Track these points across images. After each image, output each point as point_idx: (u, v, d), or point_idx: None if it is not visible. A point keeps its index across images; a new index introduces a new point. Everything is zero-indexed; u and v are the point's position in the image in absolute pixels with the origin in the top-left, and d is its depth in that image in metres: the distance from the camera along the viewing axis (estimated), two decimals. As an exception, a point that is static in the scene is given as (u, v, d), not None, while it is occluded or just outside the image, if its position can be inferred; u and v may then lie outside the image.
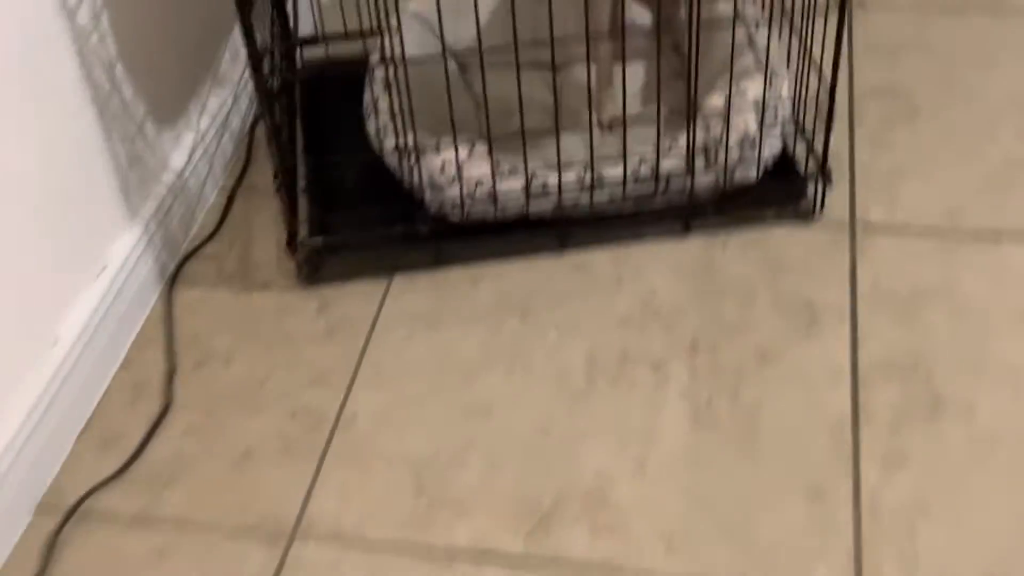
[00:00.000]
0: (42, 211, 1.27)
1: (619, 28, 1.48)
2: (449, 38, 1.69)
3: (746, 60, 1.53)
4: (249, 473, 1.29)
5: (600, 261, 1.50)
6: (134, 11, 1.42)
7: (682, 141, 1.45)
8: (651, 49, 1.69)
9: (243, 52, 1.51)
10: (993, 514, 1.18)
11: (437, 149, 1.45)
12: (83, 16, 1.30)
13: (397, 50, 1.60)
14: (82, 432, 1.34)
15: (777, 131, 1.49)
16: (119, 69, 1.39)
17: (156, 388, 1.39)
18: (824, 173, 1.51)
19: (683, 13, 1.51)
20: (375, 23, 1.64)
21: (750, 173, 1.49)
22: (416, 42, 1.65)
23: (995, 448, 1.24)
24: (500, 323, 1.43)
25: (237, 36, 1.65)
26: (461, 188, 1.44)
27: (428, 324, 1.44)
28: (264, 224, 1.57)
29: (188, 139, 1.56)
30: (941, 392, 1.30)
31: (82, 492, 1.27)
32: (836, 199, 1.54)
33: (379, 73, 1.58)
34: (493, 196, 1.45)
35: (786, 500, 1.21)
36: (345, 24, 1.73)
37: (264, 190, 1.63)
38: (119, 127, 1.40)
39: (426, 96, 1.48)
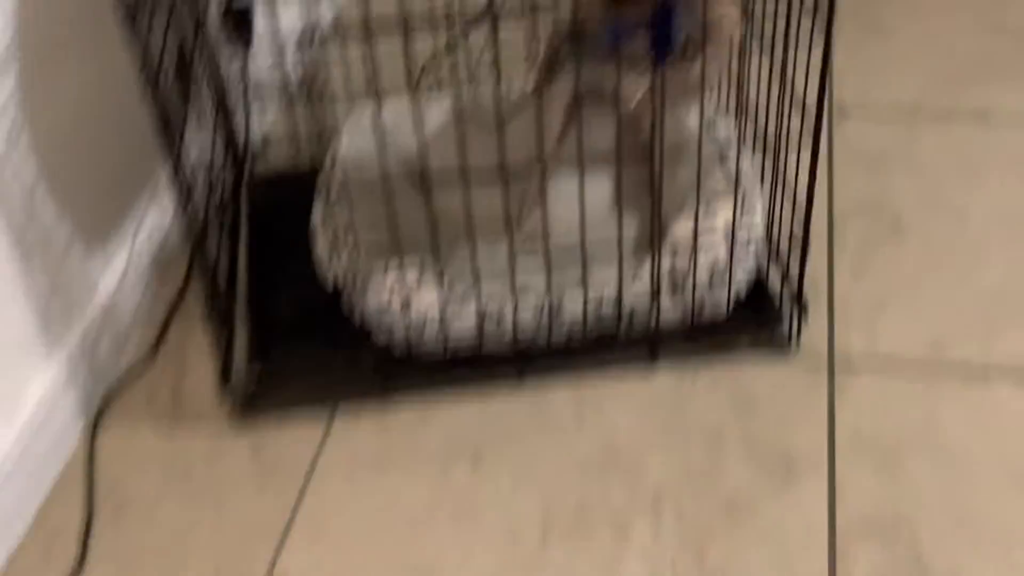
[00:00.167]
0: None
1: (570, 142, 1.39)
2: (406, 149, 1.60)
3: (716, 180, 1.44)
4: (166, 643, 1.17)
5: (560, 396, 1.40)
6: (59, 128, 1.32)
7: (647, 270, 1.36)
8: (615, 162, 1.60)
9: (198, 149, 1.43)
10: None
11: (383, 276, 1.36)
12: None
13: (348, 162, 1.52)
14: (-13, 591, 1.23)
15: (750, 259, 1.40)
16: (39, 193, 1.29)
17: (72, 539, 1.28)
18: (800, 303, 1.41)
19: (647, 128, 1.42)
20: (327, 132, 1.55)
21: (720, 304, 1.40)
22: (371, 152, 1.56)
23: (985, 625, 1.13)
24: (450, 467, 1.32)
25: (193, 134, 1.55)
26: (408, 323, 1.35)
27: (371, 468, 1.33)
28: (202, 349, 1.46)
29: (120, 260, 1.46)
30: (925, 555, 1.19)
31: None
32: (814, 329, 1.44)
33: (326, 188, 1.48)
34: (443, 333, 1.35)
35: None
36: (297, 133, 1.64)
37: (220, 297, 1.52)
38: (39, 256, 1.30)
39: (378, 212, 1.39)
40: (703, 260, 1.36)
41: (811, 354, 1.42)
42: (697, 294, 1.37)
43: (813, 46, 1.22)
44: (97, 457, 1.36)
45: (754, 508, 1.25)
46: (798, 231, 1.38)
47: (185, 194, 1.22)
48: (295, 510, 1.29)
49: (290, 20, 1.66)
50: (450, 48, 1.17)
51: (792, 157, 1.34)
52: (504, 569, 1.21)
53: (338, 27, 1.43)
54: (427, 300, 1.35)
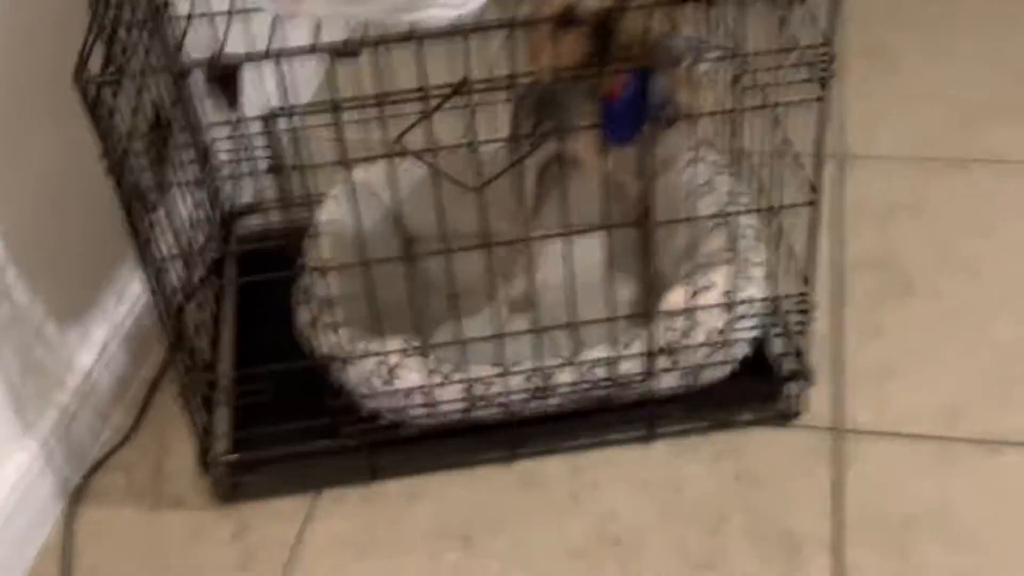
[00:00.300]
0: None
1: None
2: (391, 215, 1.55)
3: (713, 242, 1.38)
4: None
5: (554, 472, 1.34)
6: (27, 202, 1.28)
7: (641, 341, 1.30)
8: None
9: (177, 217, 1.38)
10: None
11: (367, 349, 1.31)
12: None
13: (332, 229, 1.47)
14: None
15: (750, 325, 1.34)
16: (8, 271, 1.24)
17: (45, 633, 1.23)
18: (803, 370, 1.35)
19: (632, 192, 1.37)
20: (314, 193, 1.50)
21: (719, 374, 1.34)
22: (361, 208, 1.50)
23: None
24: (438, 552, 1.27)
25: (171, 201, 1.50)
26: (393, 399, 1.29)
27: (356, 552, 1.28)
28: (183, 426, 1.41)
29: (99, 334, 1.41)
30: (937, 648, 1.13)
31: None
32: (820, 396, 1.37)
33: (311, 253, 1.43)
34: (430, 408, 1.30)
35: None
36: (284, 196, 1.59)
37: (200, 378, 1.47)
38: (11, 336, 1.25)
39: (364, 278, 1.34)
40: (700, 329, 1.30)
41: (816, 424, 1.36)
42: (695, 364, 1.31)
43: (810, 96, 1.16)
44: (75, 540, 1.31)
45: (756, 596, 1.19)
46: (797, 291, 1.33)
47: (155, 278, 1.17)
48: (276, 600, 1.24)
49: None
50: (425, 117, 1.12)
51: (793, 211, 1.28)
52: (492, 665, 1.16)
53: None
54: (412, 375, 1.30)
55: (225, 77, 1.55)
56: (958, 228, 1.61)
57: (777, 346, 1.38)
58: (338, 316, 1.34)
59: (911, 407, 1.36)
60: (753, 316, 1.33)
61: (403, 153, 1.20)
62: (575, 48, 1.23)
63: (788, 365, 1.36)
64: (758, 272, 1.35)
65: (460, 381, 1.30)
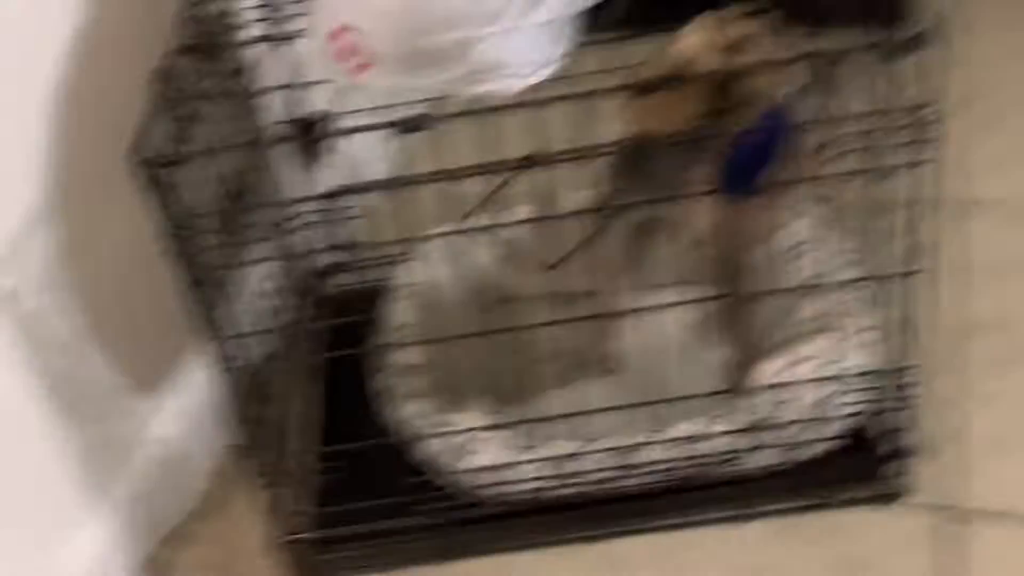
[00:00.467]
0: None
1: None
2: (475, 276, 1.49)
3: (813, 306, 1.30)
4: None
5: (639, 555, 1.26)
6: (101, 275, 1.26)
7: (732, 416, 1.22)
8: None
9: (252, 287, 1.36)
10: None
11: (444, 423, 1.26)
12: (27, 301, 1.14)
13: (414, 291, 1.43)
14: None
15: (849, 397, 1.25)
16: (81, 344, 1.22)
17: None
18: (910, 445, 1.25)
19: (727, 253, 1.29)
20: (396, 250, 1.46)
21: (816, 450, 1.25)
22: (439, 280, 1.46)
23: None
24: (515, 640, 1.21)
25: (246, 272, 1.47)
26: (471, 474, 1.24)
27: (432, 635, 1.23)
28: (261, 501, 1.37)
29: (175, 405, 1.38)
30: None
31: None
32: (929, 475, 1.26)
33: (389, 320, 1.39)
34: (510, 484, 1.24)
35: None
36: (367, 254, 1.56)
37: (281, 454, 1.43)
38: (84, 407, 1.24)
39: (444, 348, 1.30)
40: (795, 403, 1.22)
41: (926, 504, 1.26)
42: (789, 440, 1.23)
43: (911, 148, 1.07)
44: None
45: None
46: (905, 359, 1.24)
47: (226, 355, 1.14)
48: None
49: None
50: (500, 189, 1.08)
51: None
52: None
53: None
54: (490, 450, 1.24)
55: (308, 138, 1.53)
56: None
57: (881, 420, 1.29)
58: (416, 385, 1.30)
59: (1028, 487, 1.26)
60: (854, 389, 1.25)
61: (472, 230, 1.14)
62: (687, 108, 1.16)
63: (893, 441, 1.26)
64: (860, 340, 1.26)
65: (539, 459, 1.24)
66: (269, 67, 1.37)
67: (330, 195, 1.44)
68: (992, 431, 1.32)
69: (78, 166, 1.21)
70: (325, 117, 1.37)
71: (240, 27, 1.34)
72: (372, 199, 1.49)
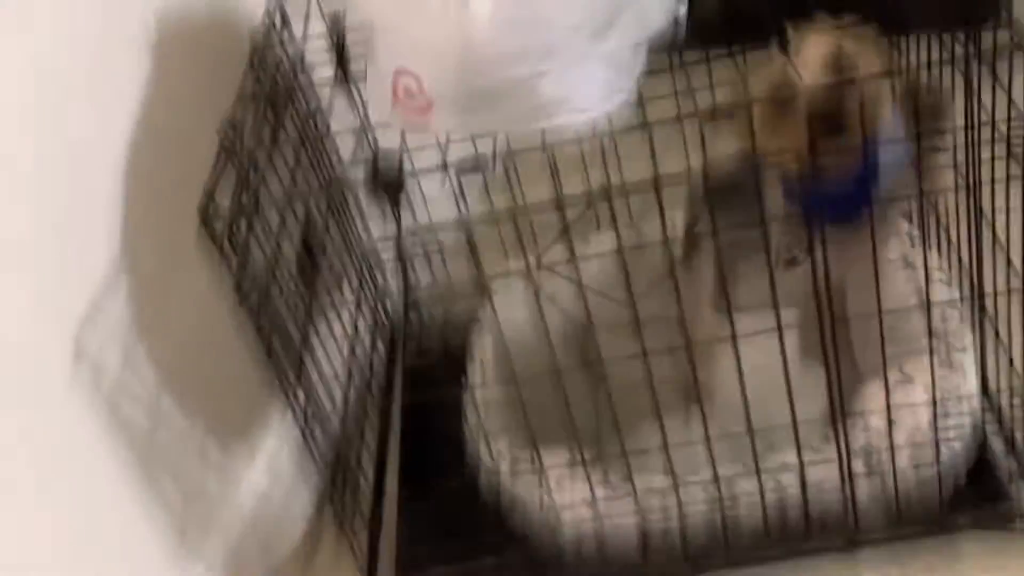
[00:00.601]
0: None
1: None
2: (561, 317, 1.45)
3: (916, 332, 1.22)
4: None
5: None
6: (183, 336, 1.25)
7: (835, 443, 1.17)
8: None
9: (333, 333, 1.34)
10: None
11: (531, 461, 1.22)
12: (109, 363, 1.14)
13: (499, 333, 1.39)
14: None
15: (962, 426, 1.18)
16: (165, 404, 1.22)
17: None
18: (1026, 467, 1.18)
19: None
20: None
21: (929, 481, 1.18)
22: (522, 307, 1.42)
23: None
24: None
25: (327, 319, 1.45)
26: (561, 524, 1.20)
27: None
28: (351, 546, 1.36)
29: (263, 456, 1.37)
30: None
31: None
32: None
33: (474, 363, 1.36)
34: (602, 535, 1.20)
35: None
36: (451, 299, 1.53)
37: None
38: (172, 461, 1.23)
39: (534, 393, 1.26)
40: (901, 428, 1.16)
41: (1048, 527, 1.19)
42: (899, 472, 1.17)
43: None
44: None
45: None
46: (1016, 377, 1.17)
47: (307, 410, 1.12)
48: None
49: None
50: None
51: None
52: None
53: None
54: (577, 488, 1.20)
55: (388, 183, 1.50)
56: None
57: (994, 441, 1.22)
58: (500, 424, 1.27)
59: None
60: (962, 411, 1.18)
61: (545, 268, 1.11)
62: (795, 130, 1.11)
63: (1007, 462, 1.19)
64: (965, 360, 1.19)
65: (630, 494, 1.19)
66: (340, 109, 1.35)
67: (406, 235, 1.43)
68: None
69: (153, 224, 1.20)
70: (397, 157, 1.35)
71: (309, 70, 1.33)
72: (449, 236, 1.47)
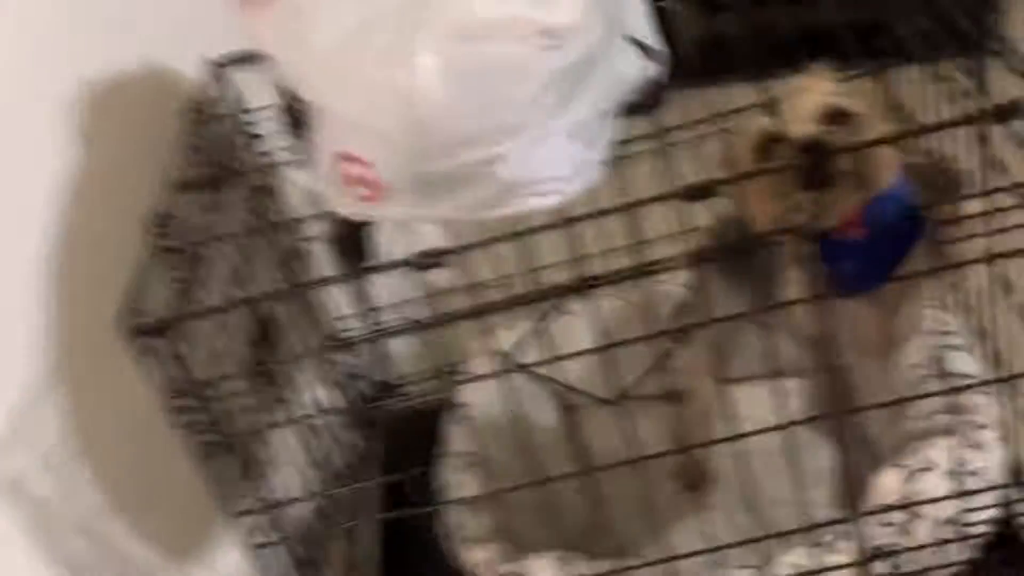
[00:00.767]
0: None
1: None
2: (538, 388, 1.34)
3: (928, 405, 1.11)
4: None
5: None
6: (115, 440, 1.11)
7: (851, 543, 1.04)
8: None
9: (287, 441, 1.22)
10: None
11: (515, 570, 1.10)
12: (33, 482, 1.01)
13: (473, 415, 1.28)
14: None
15: (988, 504, 1.06)
16: (98, 525, 1.08)
17: None
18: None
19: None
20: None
21: (951, 562, 1.06)
22: (500, 391, 1.31)
23: None
24: None
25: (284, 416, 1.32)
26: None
27: None
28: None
29: (218, 570, 1.24)
30: None
31: None
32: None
33: (447, 448, 1.24)
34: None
35: None
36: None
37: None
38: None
39: (510, 477, 1.14)
40: (924, 521, 1.04)
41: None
42: (922, 566, 1.05)
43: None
44: None
45: None
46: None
47: (257, 530, 1.00)
48: None
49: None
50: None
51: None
52: None
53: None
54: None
55: (348, 240, 1.38)
56: None
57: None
58: (480, 526, 1.15)
59: None
60: (990, 490, 1.06)
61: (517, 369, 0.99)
62: (783, 187, 1.00)
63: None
64: (989, 435, 1.07)
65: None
66: (292, 182, 1.24)
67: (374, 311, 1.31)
68: None
69: (79, 331, 1.07)
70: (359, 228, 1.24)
71: (252, 143, 1.21)
72: (423, 311, 1.35)
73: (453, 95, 0.77)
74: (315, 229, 1.32)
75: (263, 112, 1.21)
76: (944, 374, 1.11)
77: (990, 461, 1.06)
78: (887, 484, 1.06)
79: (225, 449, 0.97)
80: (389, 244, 1.07)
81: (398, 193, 0.84)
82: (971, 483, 1.04)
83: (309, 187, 1.21)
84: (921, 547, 1.03)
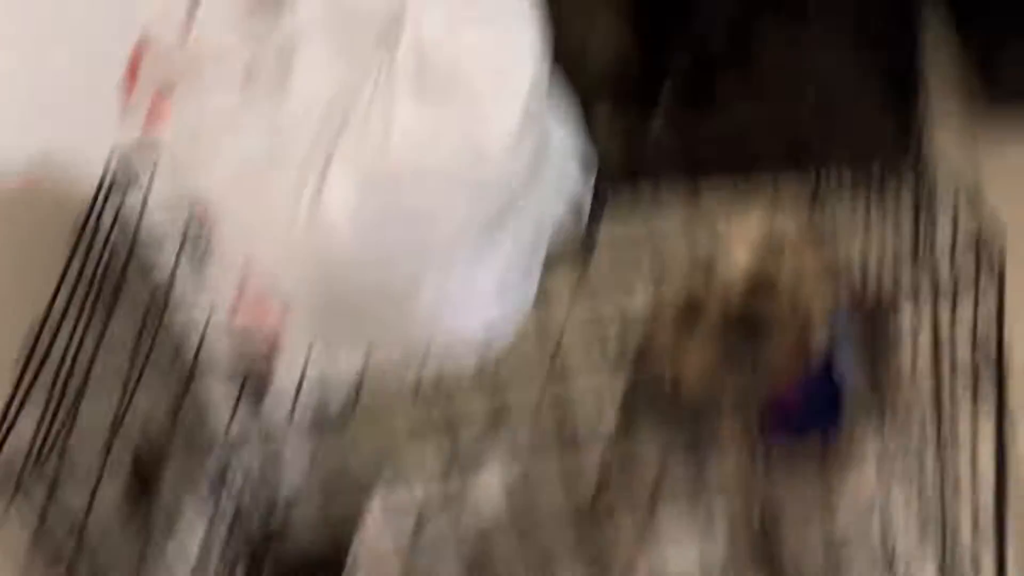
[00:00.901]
0: None
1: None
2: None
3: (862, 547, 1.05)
4: None
5: None
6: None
7: None
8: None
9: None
10: None
11: None
12: None
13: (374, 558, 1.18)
14: None
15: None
16: None
17: None
18: None
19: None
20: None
21: None
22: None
23: None
24: None
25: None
26: None
27: None
28: None
29: None
30: None
31: None
32: None
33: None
34: None
35: None
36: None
37: None
38: None
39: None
40: None
41: None
42: None
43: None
44: None
45: None
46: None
47: None
48: None
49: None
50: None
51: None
52: None
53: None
54: None
55: (247, 371, 1.29)
56: None
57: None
58: None
59: None
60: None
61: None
62: (710, 346, 0.95)
63: None
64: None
65: None
66: (188, 305, 1.15)
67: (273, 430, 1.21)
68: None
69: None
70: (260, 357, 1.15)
71: (147, 263, 1.12)
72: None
73: (366, 211, 0.70)
74: (211, 357, 1.24)
75: (161, 229, 1.13)
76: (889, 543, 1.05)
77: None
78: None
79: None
80: (291, 372, 0.98)
81: (303, 316, 0.76)
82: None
83: (207, 311, 1.13)
84: None
